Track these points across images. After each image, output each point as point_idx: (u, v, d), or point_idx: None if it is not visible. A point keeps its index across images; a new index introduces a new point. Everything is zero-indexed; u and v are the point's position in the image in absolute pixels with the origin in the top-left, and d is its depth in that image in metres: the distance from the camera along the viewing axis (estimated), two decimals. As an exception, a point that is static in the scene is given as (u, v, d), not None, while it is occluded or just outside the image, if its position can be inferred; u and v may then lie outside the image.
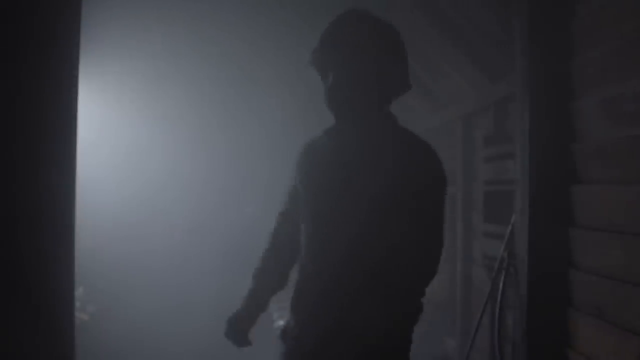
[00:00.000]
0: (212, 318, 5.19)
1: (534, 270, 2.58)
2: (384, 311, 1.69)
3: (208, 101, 5.71)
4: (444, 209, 1.74)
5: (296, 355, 1.81)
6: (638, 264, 2.01)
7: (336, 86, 1.74)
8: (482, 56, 3.57)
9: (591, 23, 2.38)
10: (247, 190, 5.75)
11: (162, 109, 5.70)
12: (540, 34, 2.59)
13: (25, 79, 2.00)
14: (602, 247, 2.25)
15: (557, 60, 2.55)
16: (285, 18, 4.58)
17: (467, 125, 4.13)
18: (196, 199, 5.79)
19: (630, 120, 2.09)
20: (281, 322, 4.54)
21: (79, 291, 3.47)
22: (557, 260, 2.52)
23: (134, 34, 5.02)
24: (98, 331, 4.57)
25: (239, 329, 1.97)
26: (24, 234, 2.00)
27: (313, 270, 1.79)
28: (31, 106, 2.02)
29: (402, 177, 1.67)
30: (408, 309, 1.72)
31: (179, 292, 5.37)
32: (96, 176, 5.09)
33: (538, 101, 2.59)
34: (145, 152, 5.70)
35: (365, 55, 1.72)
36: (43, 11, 2.04)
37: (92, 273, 4.39)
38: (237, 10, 4.65)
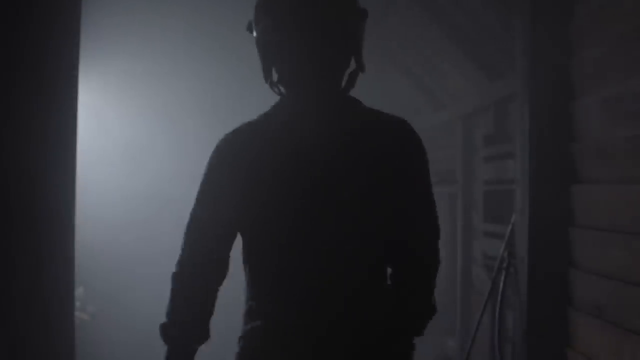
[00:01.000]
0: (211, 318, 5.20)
1: (534, 270, 2.58)
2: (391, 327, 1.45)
3: (210, 98, 5.70)
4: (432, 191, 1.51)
5: None
6: (638, 264, 2.01)
7: (293, 57, 1.42)
8: (482, 55, 3.57)
9: (591, 23, 2.38)
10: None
11: (164, 106, 5.69)
12: (541, 34, 2.59)
13: (25, 79, 2.00)
14: (602, 247, 2.25)
15: (557, 60, 2.55)
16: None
17: (467, 124, 4.13)
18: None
19: (630, 120, 2.09)
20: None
21: (79, 291, 3.46)
22: (557, 260, 2.52)
23: (133, 33, 5.02)
24: (98, 331, 4.57)
25: None
26: (24, 234, 2.00)
27: (280, 303, 1.42)
28: (31, 106, 2.02)
29: (388, 160, 1.41)
30: (423, 310, 1.49)
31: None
32: (97, 176, 5.08)
33: (538, 101, 2.59)
34: (146, 151, 5.70)
35: (328, 20, 1.40)
36: (42, 11, 2.03)
37: (92, 273, 4.39)
38: (239, 5, 4.65)
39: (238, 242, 1.47)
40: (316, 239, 1.40)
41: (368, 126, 1.45)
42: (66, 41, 2.12)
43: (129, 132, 5.67)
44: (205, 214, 1.44)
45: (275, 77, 1.46)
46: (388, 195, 1.42)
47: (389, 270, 1.51)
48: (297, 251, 1.41)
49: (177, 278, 1.45)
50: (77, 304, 3.08)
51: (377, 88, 5.84)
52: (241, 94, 5.70)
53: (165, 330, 1.44)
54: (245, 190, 1.41)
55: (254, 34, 1.46)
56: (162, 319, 1.43)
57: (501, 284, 2.96)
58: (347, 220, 1.40)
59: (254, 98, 6.02)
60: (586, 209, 2.40)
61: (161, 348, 1.55)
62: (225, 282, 1.49)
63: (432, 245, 1.50)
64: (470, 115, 4.07)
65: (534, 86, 2.60)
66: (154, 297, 5.77)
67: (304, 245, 1.41)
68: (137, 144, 5.68)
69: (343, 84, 1.47)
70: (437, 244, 1.51)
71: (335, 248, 1.40)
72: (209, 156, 1.47)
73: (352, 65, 1.48)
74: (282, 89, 1.47)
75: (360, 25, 1.47)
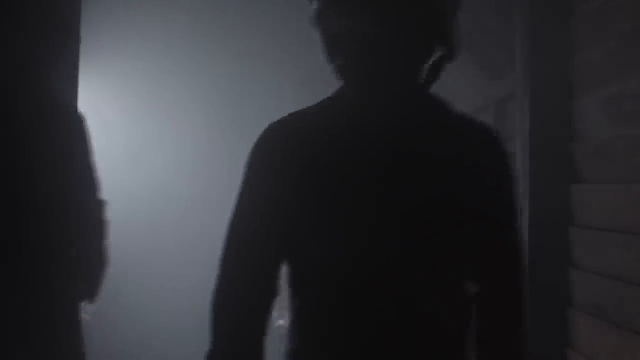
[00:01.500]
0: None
1: (534, 270, 2.58)
2: None
3: (211, 96, 5.70)
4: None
5: None
6: (638, 263, 2.01)
7: (358, 43, 1.13)
8: (482, 55, 3.57)
9: (591, 23, 2.38)
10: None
11: (165, 105, 5.69)
12: (541, 33, 2.59)
13: (25, 78, 2.00)
14: (602, 246, 2.25)
15: (557, 60, 2.55)
16: (291, 14, 4.59)
17: (467, 124, 4.12)
18: (201, 197, 5.77)
19: (629, 120, 2.09)
20: (281, 322, 4.53)
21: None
22: (557, 260, 2.52)
23: (134, 32, 5.02)
24: (98, 331, 4.57)
25: None
26: (25, 233, 2.00)
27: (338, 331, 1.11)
28: (31, 107, 2.02)
29: (466, 173, 1.15)
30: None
31: (180, 292, 5.37)
32: (101, 175, 5.08)
33: (538, 101, 2.59)
34: (147, 150, 5.69)
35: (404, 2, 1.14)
36: (42, 10, 2.03)
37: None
38: (241, 3, 4.65)
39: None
40: (386, 268, 1.09)
41: (444, 129, 1.17)
42: (66, 40, 2.12)
43: (130, 131, 5.67)
44: (249, 226, 1.13)
45: (339, 60, 1.17)
46: (463, 216, 1.13)
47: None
48: (361, 286, 1.09)
49: (219, 310, 1.15)
50: (77, 303, 3.07)
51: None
52: (242, 92, 5.70)
53: None
54: (297, 195, 1.10)
55: (314, 6, 1.19)
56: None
57: (501, 284, 2.96)
58: (420, 244, 1.10)
59: (255, 96, 6.03)
60: (586, 209, 2.40)
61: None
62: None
63: (518, 282, 1.23)
64: (471, 114, 4.06)
65: (534, 86, 2.60)
66: (155, 297, 5.80)
67: (369, 281, 1.08)
68: (137, 142, 5.68)
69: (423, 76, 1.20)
70: (521, 281, 1.24)
71: (410, 284, 1.10)
72: (249, 154, 1.16)
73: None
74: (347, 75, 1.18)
75: (450, 5, 1.26)
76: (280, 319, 4.66)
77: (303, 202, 1.10)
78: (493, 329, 1.22)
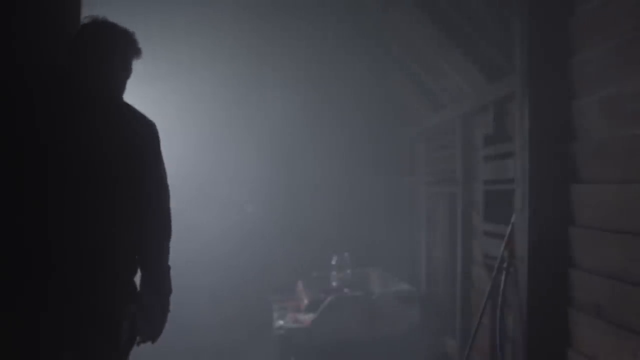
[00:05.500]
0: (212, 317, 5.20)
1: (534, 270, 2.58)
2: None
3: (211, 100, 5.71)
4: None
5: None
6: (637, 263, 2.01)
7: None
8: (482, 55, 3.57)
9: (591, 22, 2.38)
10: (248, 188, 5.75)
11: (167, 105, 5.69)
12: (540, 34, 2.59)
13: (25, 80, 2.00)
14: (602, 246, 2.25)
15: (556, 60, 2.55)
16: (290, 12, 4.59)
17: (467, 124, 4.13)
18: (202, 197, 5.77)
19: (629, 120, 2.09)
20: (281, 322, 4.53)
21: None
22: (557, 260, 2.52)
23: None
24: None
25: None
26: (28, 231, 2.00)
27: None
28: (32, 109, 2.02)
29: None
30: None
31: (181, 291, 5.36)
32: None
33: (538, 101, 2.59)
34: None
35: None
36: (42, 11, 2.04)
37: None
38: (242, 5, 4.66)
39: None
40: None
41: None
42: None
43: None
44: None
45: None
46: None
47: None
48: None
49: None
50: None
51: (378, 88, 5.84)
52: (241, 97, 5.71)
53: None
54: None
55: None
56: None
57: (501, 284, 2.96)
58: None
59: (256, 97, 5.97)
60: (586, 209, 2.40)
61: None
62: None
63: None
64: (470, 115, 4.07)
65: (534, 86, 2.60)
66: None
67: None
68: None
69: None
70: None
71: None
72: None
73: None
74: None
75: None
76: (280, 319, 4.66)
77: None
78: None
